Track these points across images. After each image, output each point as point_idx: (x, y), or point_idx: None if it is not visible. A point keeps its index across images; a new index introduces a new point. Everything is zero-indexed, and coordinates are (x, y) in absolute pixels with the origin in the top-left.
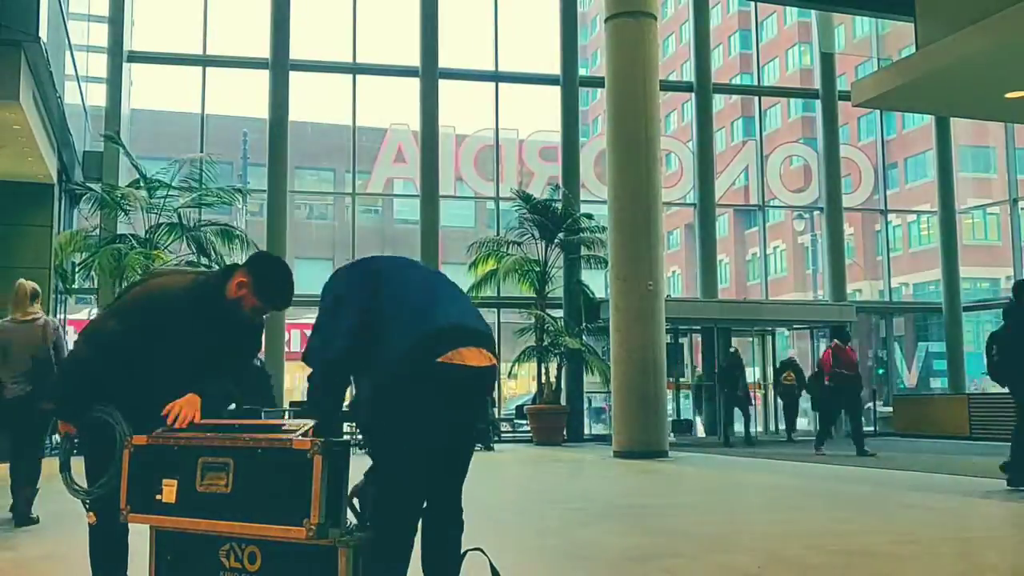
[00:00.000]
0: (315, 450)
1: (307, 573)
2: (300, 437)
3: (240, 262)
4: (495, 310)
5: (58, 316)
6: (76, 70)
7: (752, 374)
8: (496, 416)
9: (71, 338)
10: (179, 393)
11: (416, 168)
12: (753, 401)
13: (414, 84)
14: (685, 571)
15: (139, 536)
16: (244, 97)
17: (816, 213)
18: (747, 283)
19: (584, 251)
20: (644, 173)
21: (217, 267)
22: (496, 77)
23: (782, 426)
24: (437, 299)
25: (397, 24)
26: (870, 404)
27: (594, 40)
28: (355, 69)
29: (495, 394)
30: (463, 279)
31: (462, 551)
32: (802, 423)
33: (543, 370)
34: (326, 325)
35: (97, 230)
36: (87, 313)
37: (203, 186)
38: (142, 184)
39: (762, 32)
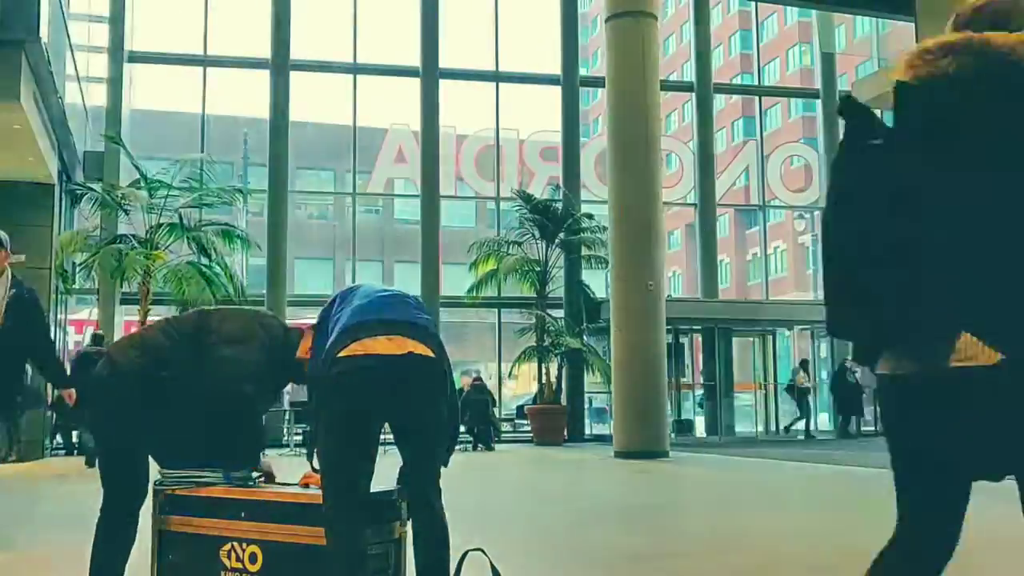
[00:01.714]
0: None
1: (308, 572)
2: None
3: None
4: (495, 310)
5: (58, 316)
6: (77, 70)
7: (754, 375)
8: (496, 416)
9: (71, 338)
10: None
11: (416, 168)
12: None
13: (414, 84)
14: (685, 571)
15: (140, 536)
16: (244, 97)
17: (817, 213)
18: (747, 283)
19: (584, 251)
20: (644, 173)
21: (218, 267)
22: (496, 77)
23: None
24: (365, 307)
25: (397, 24)
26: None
27: (594, 40)
28: (355, 69)
29: (495, 395)
30: (463, 279)
31: (464, 551)
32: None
33: (543, 370)
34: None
35: (98, 230)
36: (87, 313)
37: (204, 186)
38: (143, 184)
39: (762, 32)
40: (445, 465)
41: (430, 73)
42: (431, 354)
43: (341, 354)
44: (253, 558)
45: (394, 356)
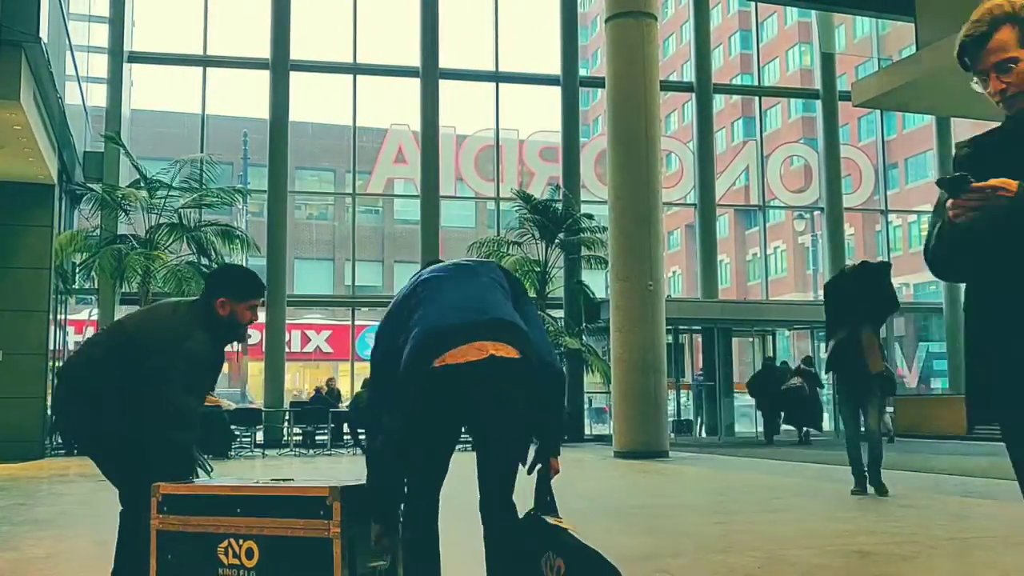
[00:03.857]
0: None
1: (303, 565)
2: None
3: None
4: None
5: (58, 317)
6: (77, 70)
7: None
8: None
9: (71, 338)
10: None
11: (416, 168)
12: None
13: (414, 84)
14: (685, 571)
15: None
16: (244, 97)
17: (816, 213)
18: (747, 283)
19: (584, 251)
20: (644, 173)
21: (217, 267)
22: (496, 77)
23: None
24: (450, 303)
25: (397, 24)
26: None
27: (594, 40)
28: (355, 69)
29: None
30: None
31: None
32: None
33: None
34: (373, 388)
35: (98, 230)
36: (87, 313)
37: (203, 186)
38: (143, 184)
39: (762, 32)
40: (556, 455)
41: (430, 73)
42: (516, 355)
43: (435, 365)
44: (250, 553)
45: (473, 363)
